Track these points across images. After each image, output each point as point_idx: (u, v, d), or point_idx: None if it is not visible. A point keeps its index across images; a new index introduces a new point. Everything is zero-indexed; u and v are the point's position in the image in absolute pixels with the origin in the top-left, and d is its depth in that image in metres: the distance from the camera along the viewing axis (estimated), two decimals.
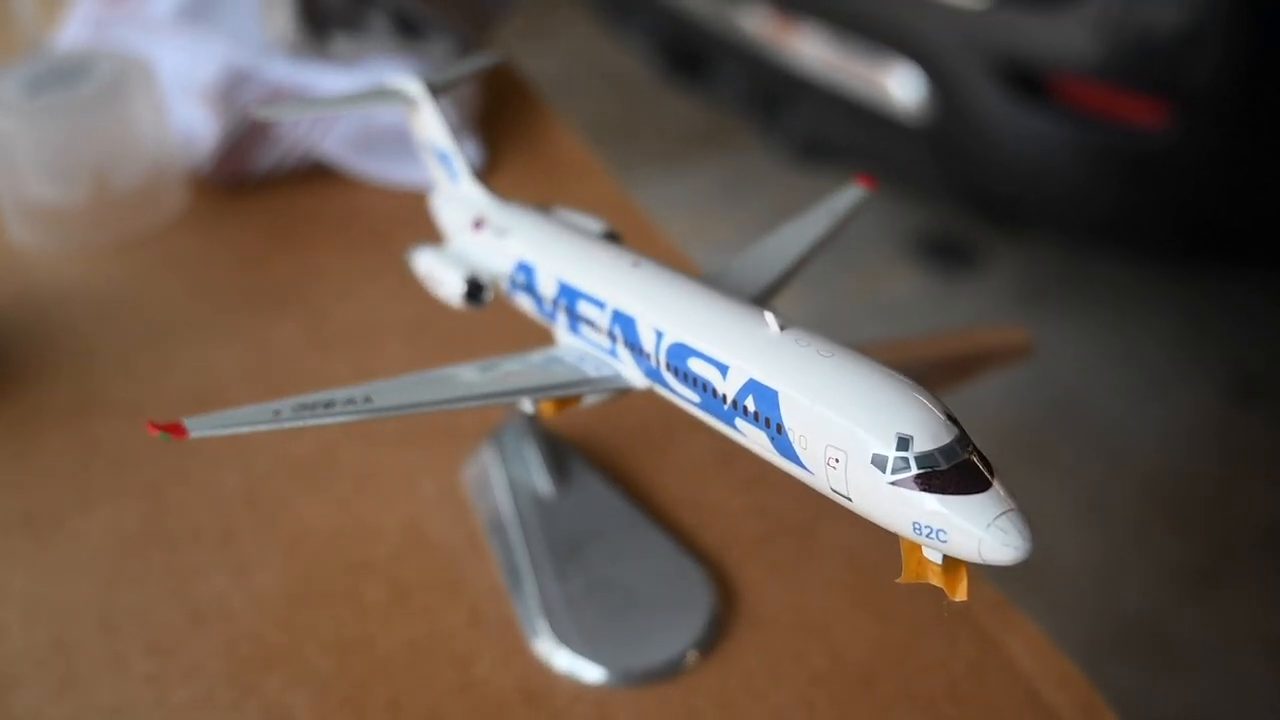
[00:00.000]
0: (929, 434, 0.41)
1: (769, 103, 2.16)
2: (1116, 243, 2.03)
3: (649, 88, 2.69)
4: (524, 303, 0.60)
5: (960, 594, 0.43)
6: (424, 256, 0.63)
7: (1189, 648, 1.60)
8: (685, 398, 0.51)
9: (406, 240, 0.68)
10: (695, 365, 0.49)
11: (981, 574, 0.42)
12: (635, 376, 0.54)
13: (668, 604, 0.61)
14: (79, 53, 0.93)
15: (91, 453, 0.72)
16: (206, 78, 0.94)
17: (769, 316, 0.48)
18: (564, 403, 0.55)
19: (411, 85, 0.66)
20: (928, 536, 0.41)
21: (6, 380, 0.78)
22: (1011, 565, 0.40)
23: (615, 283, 0.54)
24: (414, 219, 0.79)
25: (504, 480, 0.67)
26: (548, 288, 0.58)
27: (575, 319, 0.56)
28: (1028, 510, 0.41)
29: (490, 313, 0.63)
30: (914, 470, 0.41)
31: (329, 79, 0.96)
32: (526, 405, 0.56)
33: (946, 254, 2.28)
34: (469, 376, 0.54)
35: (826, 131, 2.08)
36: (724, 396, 0.48)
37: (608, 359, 0.55)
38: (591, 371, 0.55)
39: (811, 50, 1.98)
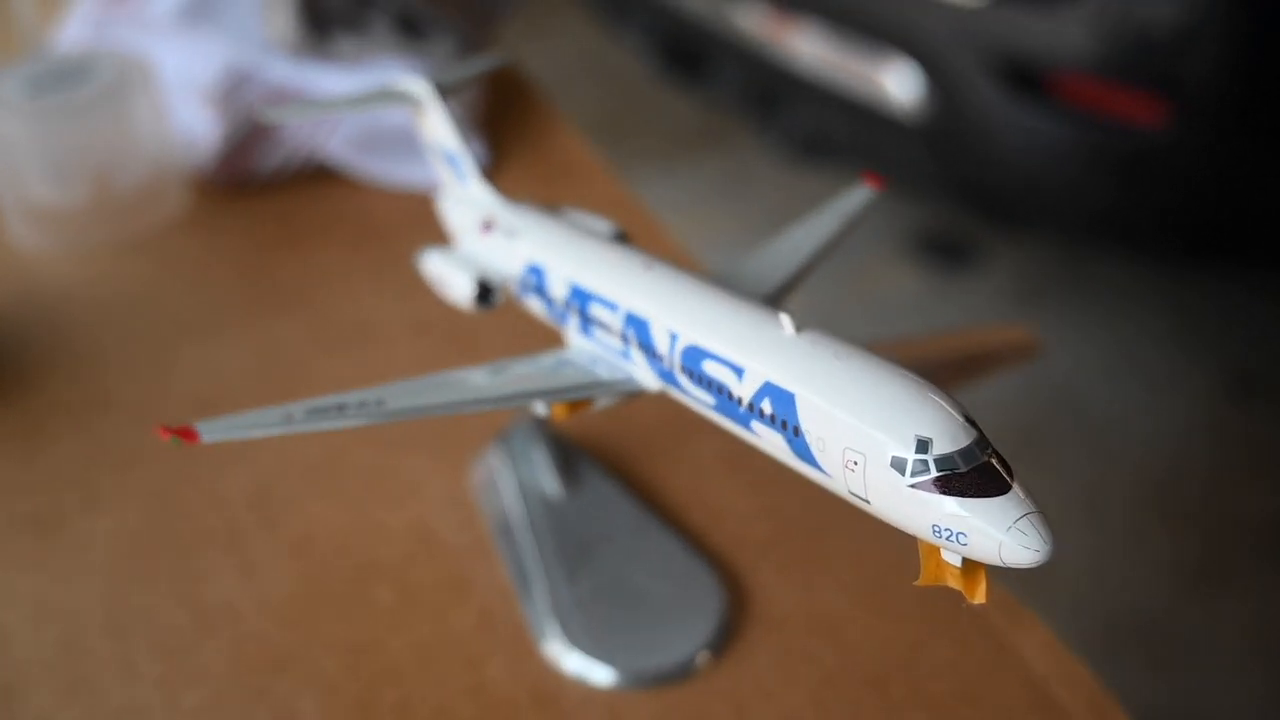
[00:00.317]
0: (948, 436, 0.41)
1: (767, 101, 2.16)
2: (1114, 240, 2.03)
3: (646, 86, 2.69)
4: (534, 305, 0.60)
5: (979, 596, 0.43)
6: (433, 259, 0.63)
7: (1184, 645, 1.60)
8: (700, 400, 0.51)
9: (411, 241, 0.68)
10: (710, 368, 0.49)
11: (990, 575, 0.42)
12: (648, 379, 0.54)
13: (678, 606, 0.61)
14: (79, 53, 0.93)
15: (97, 454, 0.72)
16: (207, 78, 0.93)
17: (784, 318, 0.48)
18: (576, 405, 0.55)
19: (418, 86, 0.66)
20: (947, 539, 0.41)
21: (9, 381, 0.77)
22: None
23: (628, 285, 0.54)
24: (419, 220, 0.79)
25: (512, 482, 0.67)
26: (559, 290, 0.57)
27: (587, 321, 0.56)
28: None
29: (494, 313, 0.63)
30: (933, 473, 0.41)
31: (330, 79, 0.95)
32: (539, 408, 0.55)
33: (944, 253, 2.28)
34: (481, 379, 0.54)
35: (824, 130, 2.08)
36: (740, 399, 0.48)
37: (620, 361, 0.55)
38: (604, 374, 0.55)
39: (809, 48, 1.98)
